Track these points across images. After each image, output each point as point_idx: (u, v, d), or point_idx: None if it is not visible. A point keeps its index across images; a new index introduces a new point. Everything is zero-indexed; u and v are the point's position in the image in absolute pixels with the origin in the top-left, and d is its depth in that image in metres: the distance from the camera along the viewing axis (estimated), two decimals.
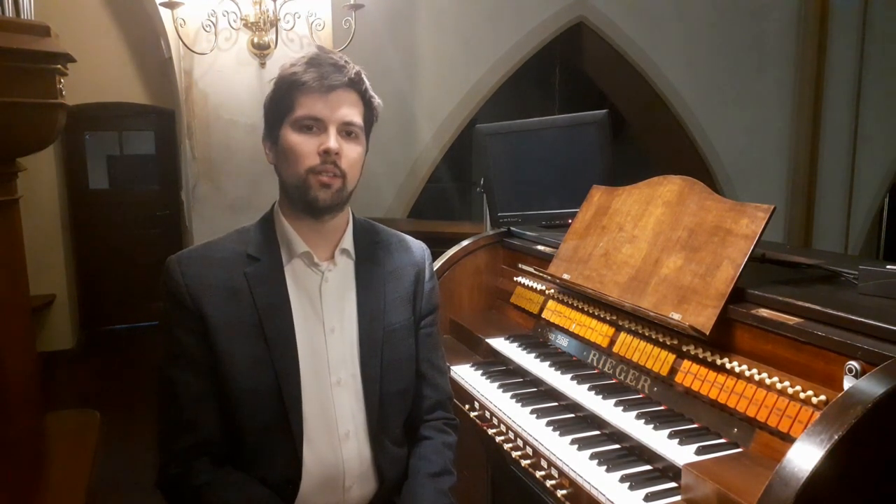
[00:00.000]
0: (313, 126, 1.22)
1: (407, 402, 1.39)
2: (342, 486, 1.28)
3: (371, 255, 1.37)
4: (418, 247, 1.46)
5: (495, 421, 1.65)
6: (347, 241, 1.34)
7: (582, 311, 1.82)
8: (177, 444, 1.22)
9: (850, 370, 1.11)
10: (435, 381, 1.44)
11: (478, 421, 1.73)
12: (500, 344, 1.93)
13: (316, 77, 1.21)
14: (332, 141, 1.21)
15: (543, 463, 1.43)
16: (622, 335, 1.65)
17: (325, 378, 1.27)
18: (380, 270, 1.36)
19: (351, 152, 1.25)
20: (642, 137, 6.73)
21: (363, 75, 1.28)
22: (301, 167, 1.23)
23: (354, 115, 1.25)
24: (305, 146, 1.22)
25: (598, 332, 1.72)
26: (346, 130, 1.25)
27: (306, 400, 1.25)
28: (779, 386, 1.23)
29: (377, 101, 1.31)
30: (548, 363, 1.74)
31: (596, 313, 1.76)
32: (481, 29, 5.21)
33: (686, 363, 1.44)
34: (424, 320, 1.42)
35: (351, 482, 1.29)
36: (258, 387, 1.22)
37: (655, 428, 1.36)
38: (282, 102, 1.25)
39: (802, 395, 1.18)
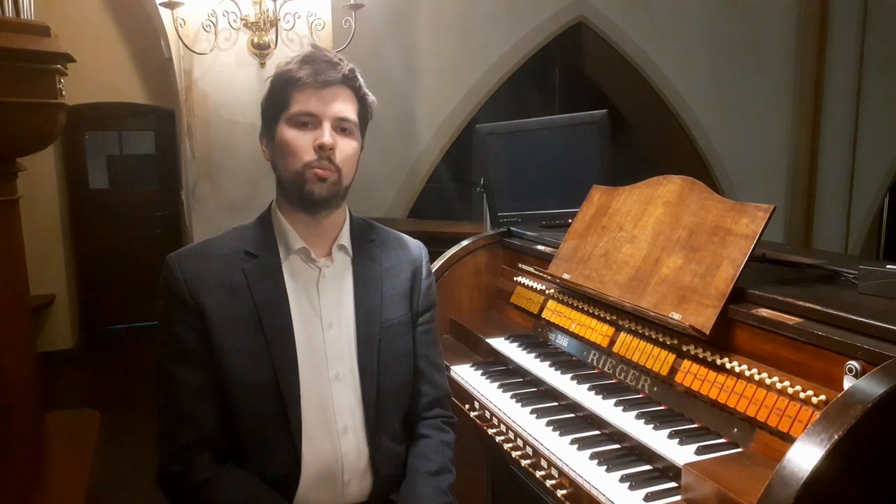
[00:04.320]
0: (308, 122, 1.24)
1: (405, 398, 1.40)
2: (341, 480, 1.29)
3: (368, 251, 1.38)
4: (415, 245, 1.48)
5: (495, 421, 1.65)
6: (344, 238, 1.36)
7: (582, 310, 1.82)
8: (177, 440, 1.23)
9: (850, 370, 1.11)
10: (433, 378, 1.45)
11: (478, 421, 1.73)
12: (500, 344, 1.93)
13: (310, 73, 1.23)
14: (327, 136, 1.23)
15: (543, 463, 1.43)
16: (622, 335, 1.65)
17: (323, 373, 1.28)
18: (376, 267, 1.38)
19: (346, 147, 1.27)
20: (642, 137, 6.73)
21: (357, 72, 1.29)
22: (297, 162, 1.24)
23: (349, 111, 1.27)
24: (300, 141, 1.24)
25: (598, 331, 1.72)
26: (341, 126, 1.26)
27: (304, 395, 1.26)
28: (779, 386, 1.23)
29: (371, 97, 1.33)
30: (548, 363, 1.74)
31: (596, 313, 1.76)
32: (481, 29, 5.21)
33: (686, 363, 1.44)
34: (422, 317, 1.43)
35: (350, 476, 1.29)
36: (257, 382, 1.23)
37: (655, 428, 1.36)
38: (277, 99, 1.27)
39: (802, 395, 1.18)
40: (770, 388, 1.25)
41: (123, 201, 6.17)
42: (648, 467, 1.31)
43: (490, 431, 1.65)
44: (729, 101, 6.08)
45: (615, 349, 1.65)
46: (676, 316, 1.43)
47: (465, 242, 2.26)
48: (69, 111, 2.03)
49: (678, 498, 1.20)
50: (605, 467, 1.31)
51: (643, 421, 1.39)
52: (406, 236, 1.49)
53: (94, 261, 6.05)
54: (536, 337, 1.95)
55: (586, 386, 1.59)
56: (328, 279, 1.32)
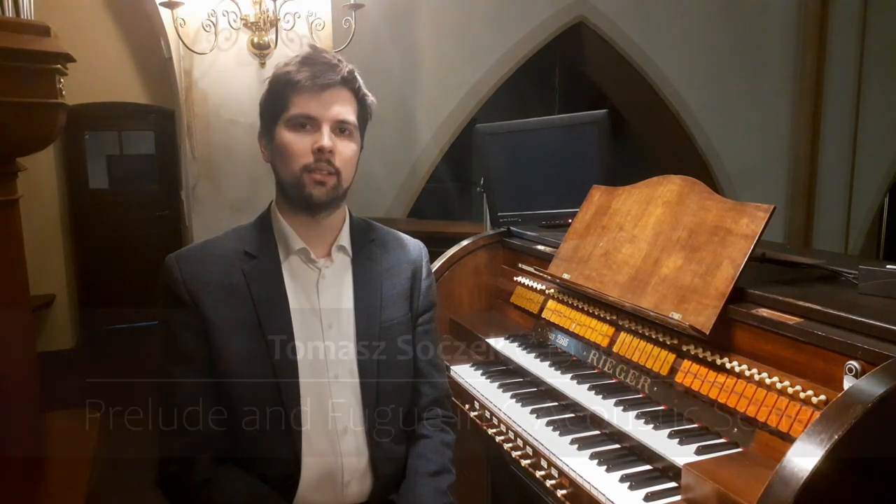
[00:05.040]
0: (307, 124, 1.24)
1: (405, 399, 1.40)
2: (340, 481, 1.29)
3: (367, 252, 1.38)
4: (415, 245, 1.47)
5: (495, 421, 1.65)
6: (344, 238, 1.36)
7: (582, 310, 1.82)
8: (177, 441, 1.23)
9: (850, 370, 1.11)
10: (433, 378, 1.45)
11: (478, 421, 1.73)
12: (500, 344, 1.93)
13: (309, 76, 1.23)
14: (326, 139, 1.23)
15: (543, 463, 1.43)
16: (622, 335, 1.65)
17: (322, 374, 1.29)
18: (376, 267, 1.38)
19: (345, 150, 1.27)
20: (642, 137, 6.72)
21: (356, 74, 1.29)
22: (295, 165, 1.24)
23: (348, 112, 1.27)
24: (299, 144, 1.24)
25: (598, 331, 1.72)
26: (340, 128, 1.26)
27: (304, 396, 1.26)
28: (779, 386, 1.23)
29: (370, 98, 1.32)
30: (548, 363, 1.74)
31: (596, 313, 1.76)
32: (481, 29, 5.20)
33: (686, 363, 1.44)
34: (422, 317, 1.43)
35: (349, 477, 1.30)
36: (256, 383, 1.23)
37: (655, 428, 1.36)
38: (276, 101, 1.26)
39: (802, 395, 1.18)
40: (770, 388, 1.25)
41: (123, 201, 6.17)
42: (648, 467, 1.31)
43: (490, 431, 1.65)
44: (729, 100, 6.07)
45: (615, 349, 1.65)
46: (676, 316, 1.43)
47: (465, 242, 2.26)
48: (69, 111, 2.03)
49: (678, 498, 1.20)
50: (605, 467, 1.31)
51: (643, 421, 1.39)
52: (406, 236, 1.49)
53: (94, 261, 6.05)
54: (536, 337, 1.95)
55: (586, 386, 1.59)
56: (328, 280, 1.32)
